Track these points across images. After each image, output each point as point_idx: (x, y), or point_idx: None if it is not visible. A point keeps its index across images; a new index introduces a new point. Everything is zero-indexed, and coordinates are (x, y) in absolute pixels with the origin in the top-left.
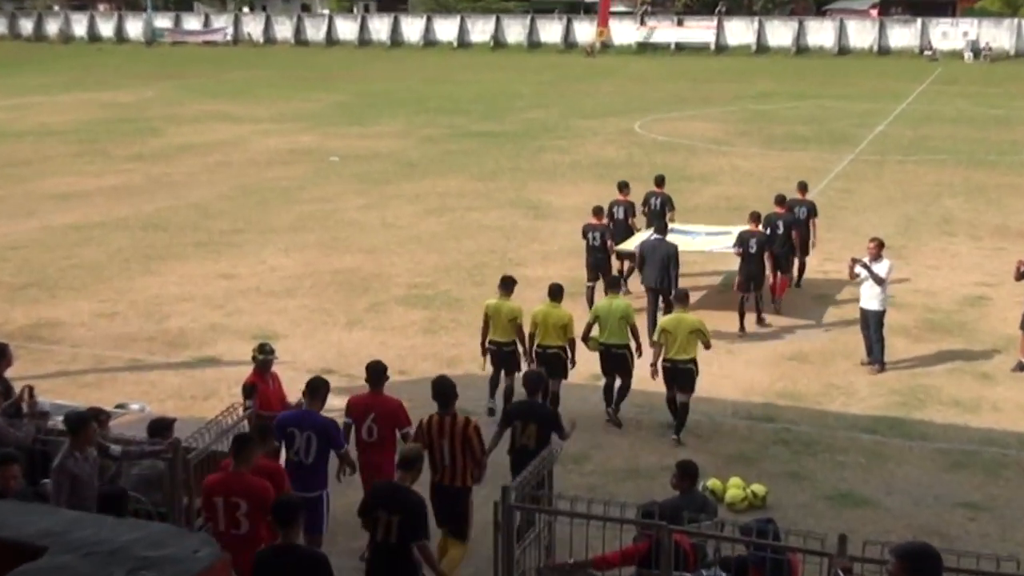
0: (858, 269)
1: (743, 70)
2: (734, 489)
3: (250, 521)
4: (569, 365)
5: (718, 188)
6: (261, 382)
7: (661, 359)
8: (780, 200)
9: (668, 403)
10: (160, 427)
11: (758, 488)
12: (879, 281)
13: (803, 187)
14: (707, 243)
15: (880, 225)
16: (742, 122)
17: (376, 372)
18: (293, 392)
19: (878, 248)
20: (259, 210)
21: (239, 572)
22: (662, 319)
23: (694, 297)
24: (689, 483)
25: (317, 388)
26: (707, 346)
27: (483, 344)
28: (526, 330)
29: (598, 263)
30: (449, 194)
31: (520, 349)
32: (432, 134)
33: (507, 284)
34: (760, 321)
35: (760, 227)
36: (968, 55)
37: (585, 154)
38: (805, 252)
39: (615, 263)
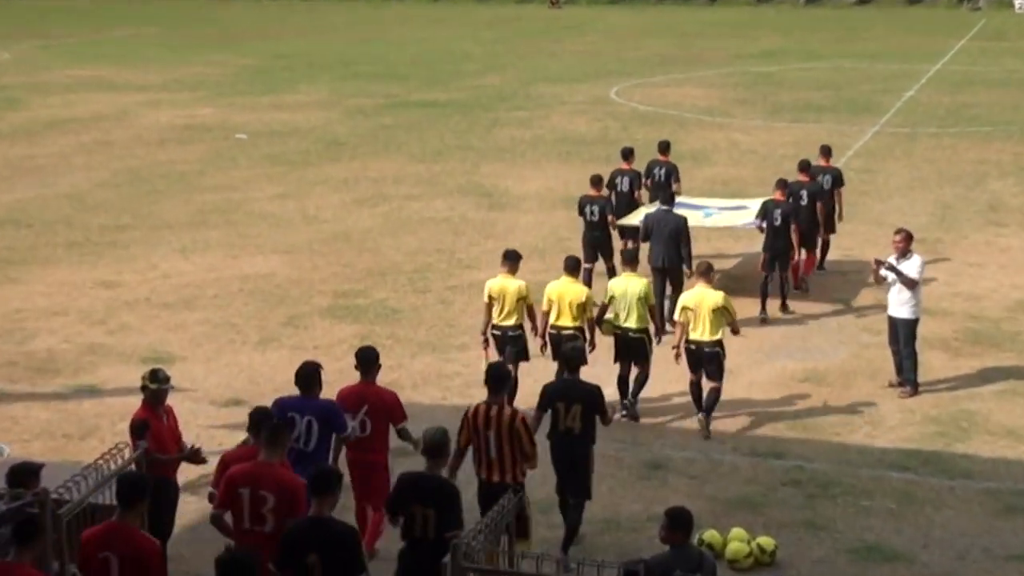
0: (884, 272)
1: (743, 24)
2: (736, 543)
3: (276, 519)
4: (587, 349)
5: (712, 169)
6: (153, 417)
7: (684, 340)
8: (804, 166)
9: (691, 386)
10: (23, 474)
11: (765, 541)
12: (910, 284)
13: (826, 152)
14: (725, 219)
15: (911, 214)
16: (742, 88)
17: (367, 359)
18: (190, 431)
19: (906, 242)
20: (148, 201)
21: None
22: (683, 295)
23: None
24: (682, 536)
25: (310, 375)
26: (734, 329)
27: (484, 332)
28: (539, 309)
29: (597, 241)
30: (384, 179)
31: (528, 330)
32: (362, 105)
33: (512, 258)
34: (784, 307)
35: (785, 196)
36: (1019, 4)
37: (550, 128)
38: (830, 229)
39: (617, 242)
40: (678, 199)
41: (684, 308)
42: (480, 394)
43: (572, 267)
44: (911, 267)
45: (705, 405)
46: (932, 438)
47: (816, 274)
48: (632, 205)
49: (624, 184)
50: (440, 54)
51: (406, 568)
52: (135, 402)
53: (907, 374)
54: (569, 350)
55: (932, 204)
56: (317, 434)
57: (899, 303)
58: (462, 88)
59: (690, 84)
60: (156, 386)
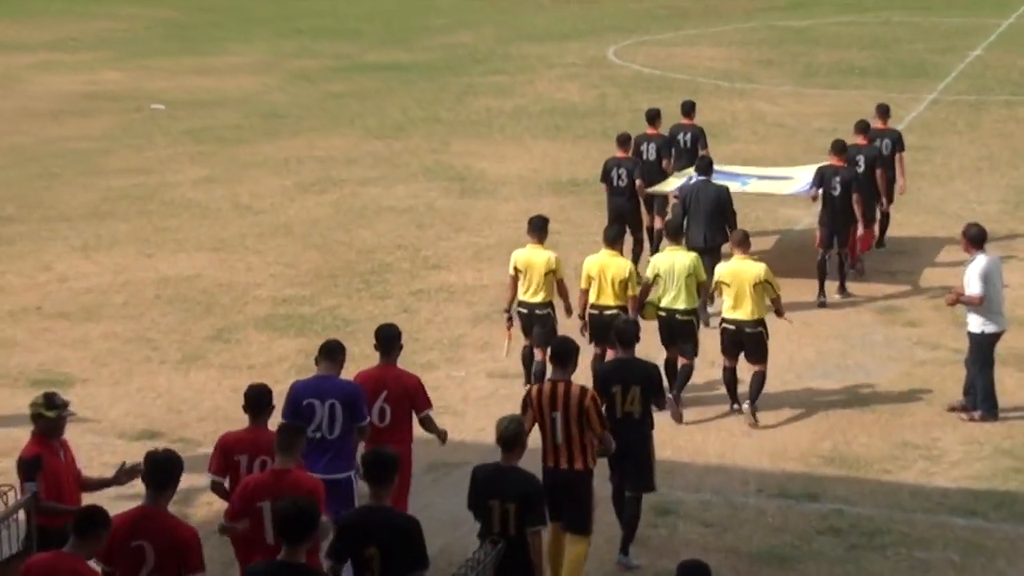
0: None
1: None
2: None
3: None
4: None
5: (731, 147)
6: (48, 453)
7: (721, 318)
8: (862, 128)
9: (725, 374)
10: None
11: None
12: (974, 301)
13: (884, 112)
14: (766, 186)
15: (977, 201)
16: (767, 46)
17: (389, 338)
18: (92, 472)
19: (966, 244)
20: (40, 187)
21: None
22: (719, 268)
23: None
24: None
25: (332, 350)
26: (778, 311)
27: (508, 309)
28: (575, 286)
29: (623, 211)
30: (334, 160)
31: (564, 305)
32: (307, 68)
33: (538, 226)
34: (843, 290)
35: (845, 161)
36: None
37: (535, 97)
38: (890, 199)
39: (644, 216)
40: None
41: (720, 283)
42: (451, 422)
43: (613, 238)
44: (967, 278)
45: (751, 392)
46: (1005, 475)
47: (874, 253)
48: (661, 175)
49: (650, 151)
50: (401, 5)
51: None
52: (23, 435)
53: (975, 397)
54: (622, 323)
55: (1004, 189)
56: (342, 420)
57: (967, 312)
58: (428, 47)
59: (704, 42)
60: (53, 414)
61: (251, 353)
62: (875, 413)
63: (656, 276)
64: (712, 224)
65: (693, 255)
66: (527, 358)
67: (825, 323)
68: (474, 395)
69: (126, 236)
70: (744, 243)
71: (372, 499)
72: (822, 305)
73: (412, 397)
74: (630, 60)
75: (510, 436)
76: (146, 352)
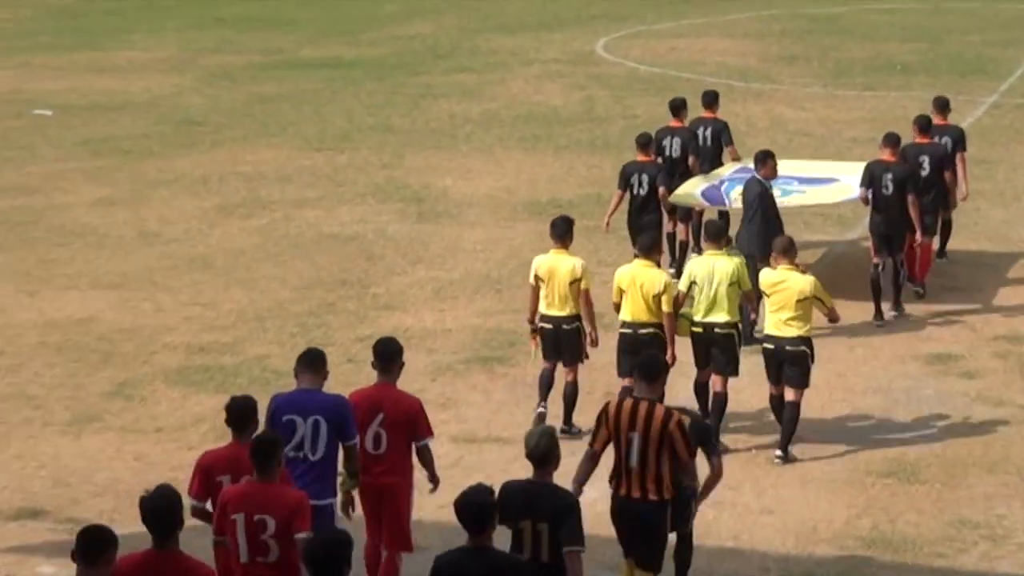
0: None
1: None
2: None
3: (280, 545)
4: (668, 356)
5: (746, 160)
6: None
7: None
8: (923, 125)
9: (772, 401)
10: None
11: None
12: None
13: (942, 106)
14: (813, 197)
15: None
16: (790, 38)
17: (388, 353)
18: None
19: None
20: None
21: None
22: (761, 276)
23: None
24: None
25: (315, 360)
26: (833, 317)
27: (532, 320)
28: (604, 300)
29: (648, 226)
30: (263, 177)
31: (587, 327)
32: (229, 65)
33: (563, 229)
34: (897, 305)
35: (897, 156)
36: None
37: (508, 100)
38: (950, 204)
39: (667, 223)
40: (741, 167)
41: (761, 295)
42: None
43: (648, 247)
44: None
45: (784, 428)
46: None
47: (933, 265)
48: (685, 175)
49: (675, 147)
50: None
51: None
52: None
53: None
54: (648, 357)
55: None
56: (326, 438)
57: None
58: (377, 41)
59: (714, 33)
60: None
61: (159, 413)
62: (925, 484)
63: (692, 284)
64: (763, 229)
65: (737, 260)
66: (545, 380)
67: (862, 374)
68: (436, 463)
69: (3, 269)
70: (789, 251)
71: (472, 541)
72: (880, 327)
73: (412, 422)
74: (623, 55)
75: (542, 454)
76: (26, 412)
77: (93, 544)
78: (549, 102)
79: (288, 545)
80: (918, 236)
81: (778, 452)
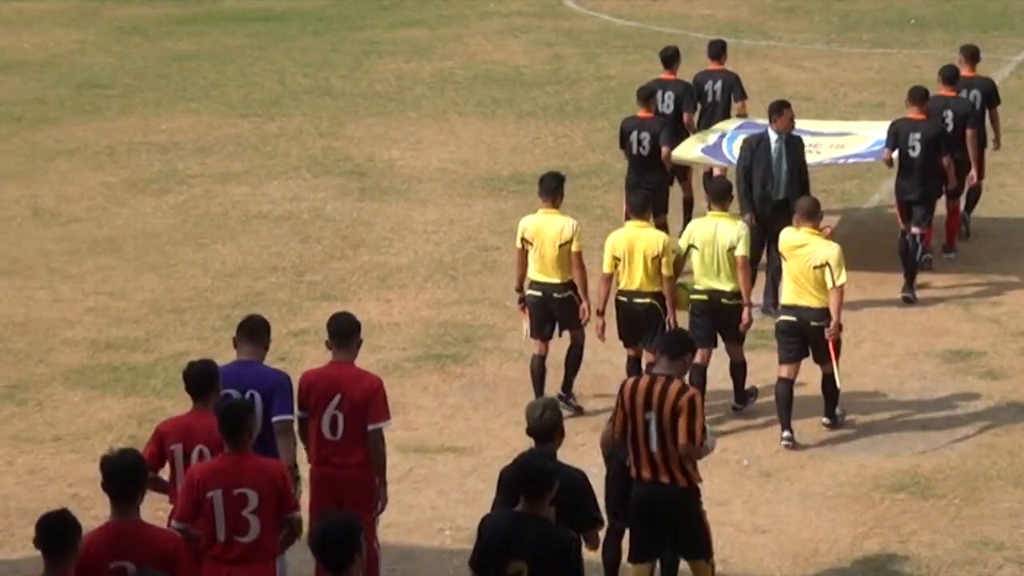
0: None
1: None
2: None
3: (261, 520)
4: (668, 324)
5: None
6: None
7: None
8: (949, 77)
9: (779, 387)
10: None
11: None
12: None
13: (971, 55)
14: (827, 152)
15: None
16: None
17: (344, 329)
18: None
19: None
20: None
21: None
22: (782, 237)
23: None
24: None
25: (255, 329)
26: (838, 287)
27: (519, 287)
28: (598, 267)
29: (650, 187)
30: (180, 147)
31: (579, 294)
32: (140, 19)
33: (552, 185)
34: (909, 288)
35: (926, 113)
36: None
37: (464, 59)
38: (980, 171)
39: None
40: (745, 121)
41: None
42: None
43: (639, 205)
44: None
45: (826, 396)
46: None
47: (944, 263)
48: (680, 133)
49: (668, 102)
50: None
51: None
52: None
53: None
54: (673, 333)
55: None
56: (261, 415)
57: None
58: None
59: None
60: None
61: (58, 420)
62: (942, 499)
63: (691, 248)
64: (791, 188)
65: (740, 224)
66: (537, 372)
67: (870, 373)
68: None
69: None
70: (814, 215)
71: (525, 505)
72: (908, 301)
73: (367, 402)
74: (596, 8)
75: (545, 426)
76: None
77: (56, 534)
78: (511, 61)
79: (269, 522)
80: (961, 192)
81: (824, 420)
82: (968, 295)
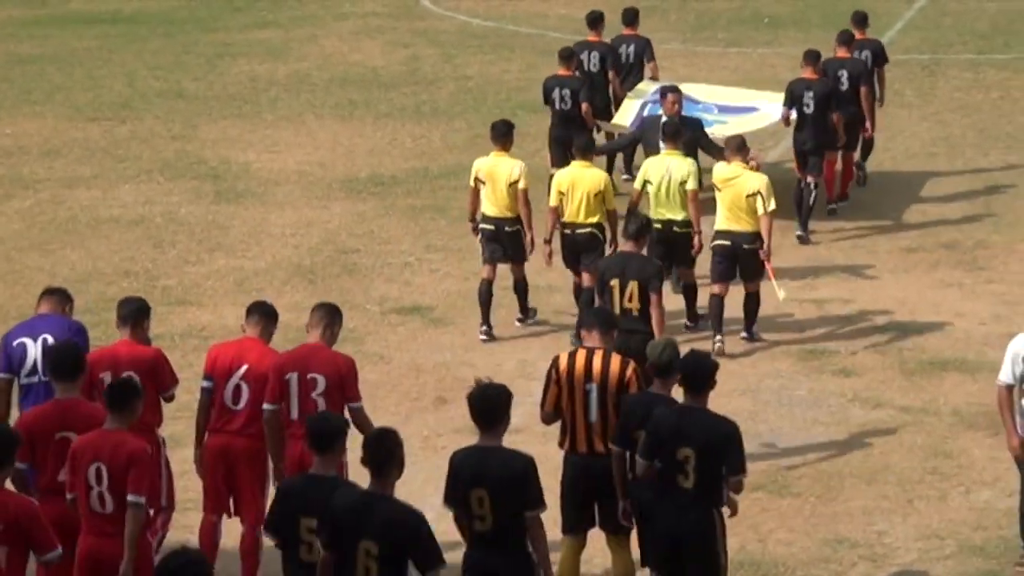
0: None
1: None
2: None
3: (328, 403)
4: (608, 249)
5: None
6: None
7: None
8: (845, 39)
9: (712, 301)
10: None
11: None
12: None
13: (860, 20)
14: (736, 125)
15: (932, 200)
16: None
17: (261, 306)
18: None
19: None
20: None
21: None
22: (716, 169)
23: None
24: None
25: (53, 291)
26: (768, 213)
27: (472, 219)
28: (543, 202)
29: (569, 139)
30: (25, 151)
31: (525, 227)
32: None
33: (503, 131)
34: (804, 235)
35: (819, 73)
36: None
37: (320, 59)
38: (872, 123)
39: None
40: (657, 86)
41: (713, 188)
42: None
43: (584, 147)
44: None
45: (747, 313)
46: None
47: (851, 191)
48: (605, 95)
49: (593, 61)
50: None
51: None
52: None
53: None
54: (629, 218)
55: (970, 181)
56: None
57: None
58: None
59: None
60: None
61: None
62: (797, 498)
63: (645, 182)
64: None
65: (691, 160)
66: (484, 297)
67: (727, 371)
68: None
69: None
70: (742, 149)
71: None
72: (801, 240)
73: (265, 377)
74: (453, 8)
75: (665, 363)
76: None
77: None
78: (368, 62)
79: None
80: (840, 149)
81: (743, 334)
82: (821, 293)
